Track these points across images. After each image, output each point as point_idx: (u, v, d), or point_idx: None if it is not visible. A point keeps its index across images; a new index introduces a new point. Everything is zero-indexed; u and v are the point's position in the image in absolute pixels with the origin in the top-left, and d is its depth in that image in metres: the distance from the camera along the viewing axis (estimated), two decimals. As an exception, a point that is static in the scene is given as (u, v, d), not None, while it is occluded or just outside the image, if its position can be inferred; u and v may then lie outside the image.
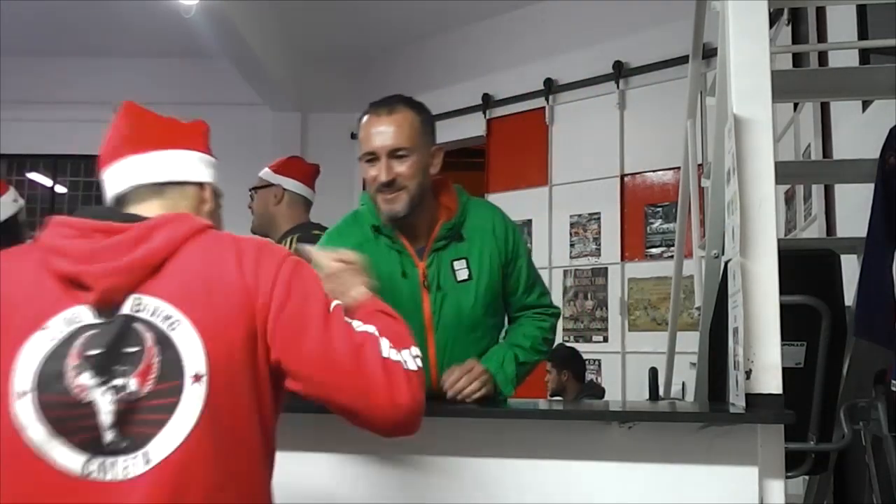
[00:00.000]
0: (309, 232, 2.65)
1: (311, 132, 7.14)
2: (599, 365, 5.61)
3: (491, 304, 2.00)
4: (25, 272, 1.15)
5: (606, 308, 5.67)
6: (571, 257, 5.90)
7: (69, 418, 1.07)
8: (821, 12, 3.83)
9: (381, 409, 1.13)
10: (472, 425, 1.70)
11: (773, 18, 4.17)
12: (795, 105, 4.12)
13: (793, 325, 1.84)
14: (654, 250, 5.52)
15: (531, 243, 6.09)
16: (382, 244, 1.95)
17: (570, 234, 5.91)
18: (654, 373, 3.08)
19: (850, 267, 2.56)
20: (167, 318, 1.10)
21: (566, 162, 5.97)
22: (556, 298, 5.93)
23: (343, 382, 1.13)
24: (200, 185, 1.30)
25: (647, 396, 3.29)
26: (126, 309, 1.11)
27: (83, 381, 1.08)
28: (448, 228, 1.95)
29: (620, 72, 5.68)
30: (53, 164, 7.73)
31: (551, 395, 4.60)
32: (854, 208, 3.18)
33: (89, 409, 1.07)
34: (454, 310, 1.95)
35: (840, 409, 2.28)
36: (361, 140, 1.90)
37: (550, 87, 6.06)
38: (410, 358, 1.18)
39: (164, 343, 1.09)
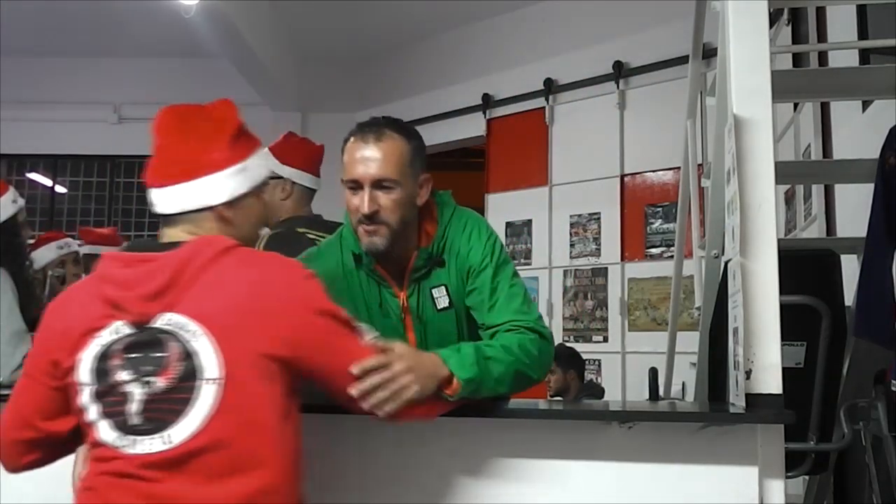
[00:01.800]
0: (292, 228, 2.53)
1: (311, 132, 7.11)
2: (599, 365, 5.61)
3: (476, 327, 1.82)
4: (84, 295, 1.44)
5: (606, 308, 5.67)
6: (571, 257, 5.91)
7: (112, 403, 1.36)
8: (821, 12, 3.83)
9: None
10: (472, 425, 1.70)
11: (773, 18, 4.17)
12: (795, 105, 4.13)
13: (793, 325, 1.84)
14: (654, 250, 5.52)
15: (531, 243, 6.10)
16: (363, 273, 1.85)
17: (570, 234, 5.92)
18: (654, 373, 3.08)
19: (850, 267, 2.56)
20: (190, 331, 1.35)
21: (566, 162, 5.97)
22: (556, 298, 5.94)
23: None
24: (227, 203, 1.47)
25: (647, 396, 3.29)
26: (157, 323, 1.36)
27: (122, 376, 1.36)
28: (424, 257, 1.81)
29: (620, 72, 5.68)
30: (53, 164, 7.74)
31: (553, 395, 4.60)
32: (854, 208, 3.19)
33: (126, 397, 1.35)
34: (438, 340, 1.80)
35: (840, 409, 2.28)
36: (345, 164, 1.77)
37: (550, 87, 6.06)
38: None
39: (187, 351, 1.34)
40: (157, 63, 7.14)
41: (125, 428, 1.35)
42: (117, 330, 1.38)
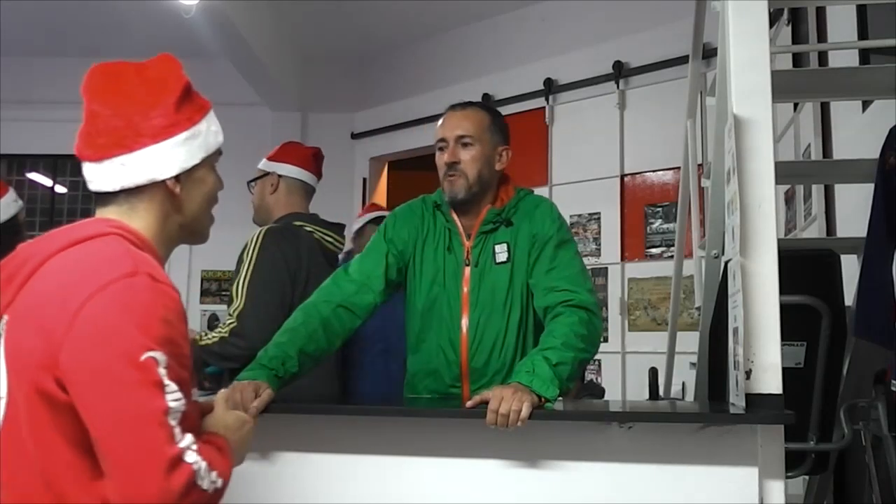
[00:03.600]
0: (289, 223, 2.55)
1: (311, 132, 7.13)
2: (599, 365, 5.61)
3: (527, 289, 2.09)
4: None
5: (606, 308, 5.66)
6: (571, 257, 5.90)
7: None
8: (821, 12, 3.83)
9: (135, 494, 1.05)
10: (472, 426, 1.70)
11: (773, 18, 4.17)
12: (795, 105, 4.12)
13: (793, 325, 1.84)
14: (654, 250, 5.52)
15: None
16: (438, 221, 2.17)
17: (570, 234, 5.91)
18: (654, 373, 3.09)
19: (850, 267, 2.56)
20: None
21: (566, 162, 5.97)
22: (556, 298, 5.92)
23: (113, 444, 1.06)
24: (176, 177, 1.26)
25: (647, 396, 3.29)
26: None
27: None
28: (495, 214, 2.14)
29: (620, 72, 5.68)
30: (53, 164, 7.73)
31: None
32: (854, 208, 3.18)
33: None
34: (489, 288, 2.09)
35: (840, 409, 2.28)
36: (436, 132, 2.15)
37: (550, 87, 6.06)
38: (207, 476, 1.09)
39: None
40: (157, 63, 7.13)
41: None
42: None
